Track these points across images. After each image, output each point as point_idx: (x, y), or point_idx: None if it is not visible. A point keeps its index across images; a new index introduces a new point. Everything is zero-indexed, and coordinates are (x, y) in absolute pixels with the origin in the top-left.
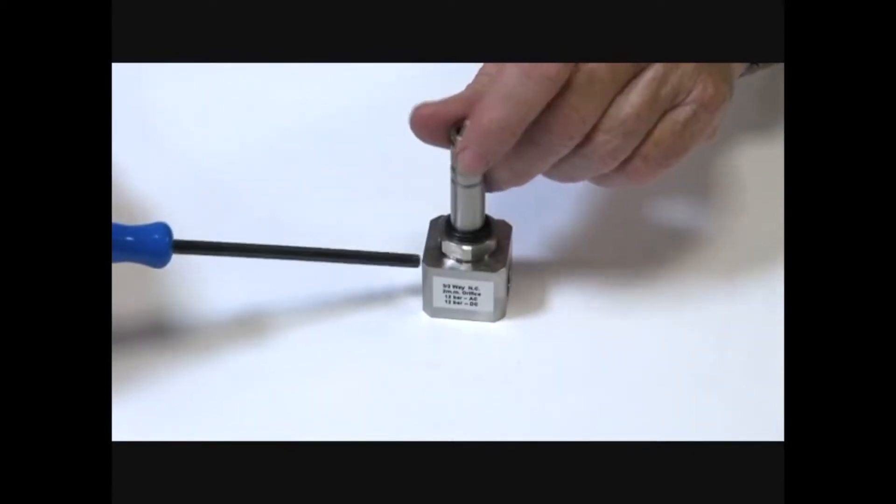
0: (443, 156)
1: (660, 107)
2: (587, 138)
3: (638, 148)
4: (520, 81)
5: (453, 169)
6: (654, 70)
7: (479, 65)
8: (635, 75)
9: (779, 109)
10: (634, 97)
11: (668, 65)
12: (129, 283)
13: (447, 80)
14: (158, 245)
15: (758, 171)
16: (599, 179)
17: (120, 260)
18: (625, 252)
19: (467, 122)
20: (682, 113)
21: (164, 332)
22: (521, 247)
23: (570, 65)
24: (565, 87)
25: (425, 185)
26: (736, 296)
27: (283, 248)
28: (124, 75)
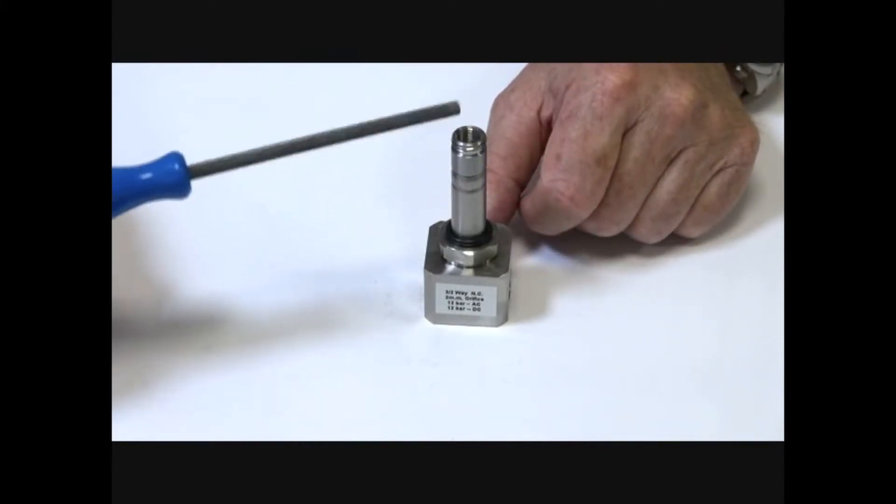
0: (443, 161)
1: (699, 182)
2: (631, 226)
3: (689, 213)
4: (562, 213)
5: (455, 174)
6: (687, 154)
7: (481, 65)
8: (671, 162)
9: (779, 109)
10: (669, 184)
11: (701, 144)
12: (130, 285)
13: (448, 80)
14: (177, 175)
15: (758, 170)
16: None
17: (144, 202)
18: (625, 254)
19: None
20: (727, 175)
21: (165, 335)
22: (521, 251)
23: (600, 190)
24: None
25: (424, 190)
26: (736, 296)
27: (303, 140)
28: (124, 75)
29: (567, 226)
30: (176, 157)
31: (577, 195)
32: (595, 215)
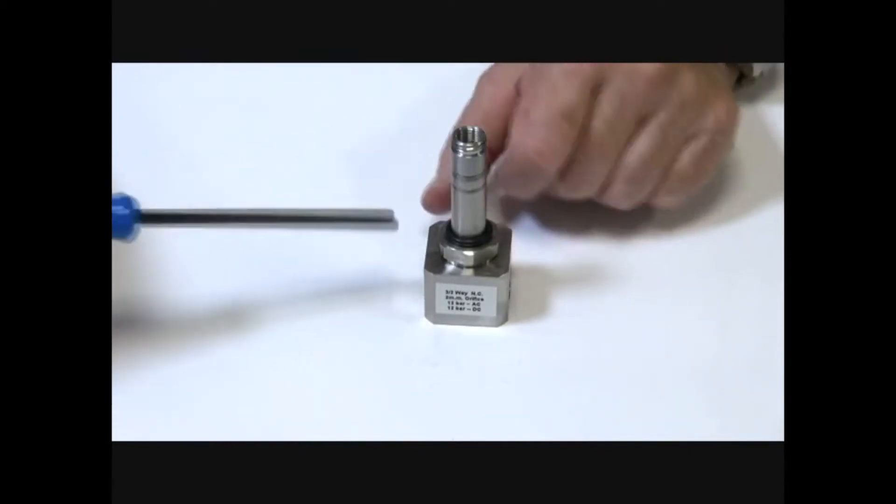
0: None
1: (672, 148)
2: (603, 187)
3: (663, 181)
4: (529, 169)
5: (454, 174)
6: (659, 117)
7: (482, 65)
8: (642, 123)
9: (779, 109)
10: (640, 146)
11: (673, 108)
12: (124, 283)
13: (448, 80)
14: (121, 218)
15: (758, 169)
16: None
17: None
18: (625, 255)
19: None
20: (700, 143)
21: (168, 336)
22: (521, 250)
23: (567, 145)
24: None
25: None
26: (735, 296)
27: (249, 213)
28: (124, 75)
29: (537, 184)
30: (123, 201)
31: (543, 148)
32: (565, 175)
